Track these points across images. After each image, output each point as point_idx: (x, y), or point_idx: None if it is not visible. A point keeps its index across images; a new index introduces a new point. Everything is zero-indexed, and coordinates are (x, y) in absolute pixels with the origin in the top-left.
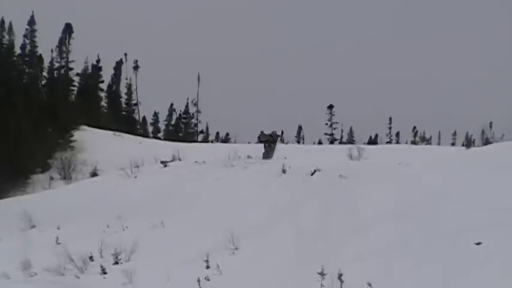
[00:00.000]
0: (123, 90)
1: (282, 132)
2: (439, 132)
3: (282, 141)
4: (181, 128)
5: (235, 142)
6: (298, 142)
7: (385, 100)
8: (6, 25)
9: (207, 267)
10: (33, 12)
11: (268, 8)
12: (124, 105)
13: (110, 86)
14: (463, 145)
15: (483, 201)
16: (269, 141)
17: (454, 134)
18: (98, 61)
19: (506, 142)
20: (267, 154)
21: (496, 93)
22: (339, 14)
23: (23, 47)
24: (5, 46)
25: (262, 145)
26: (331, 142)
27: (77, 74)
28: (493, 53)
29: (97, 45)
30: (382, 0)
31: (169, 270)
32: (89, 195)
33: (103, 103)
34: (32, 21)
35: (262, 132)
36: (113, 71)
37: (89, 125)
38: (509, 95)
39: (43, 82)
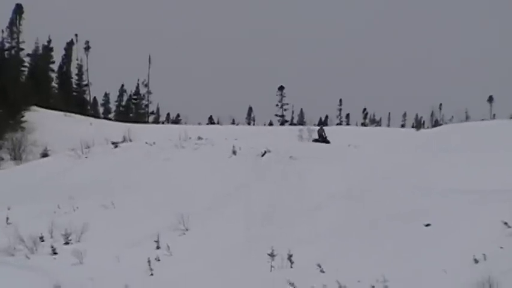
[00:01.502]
0: (74, 71)
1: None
2: (389, 113)
3: (233, 122)
4: (132, 109)
5: (186, 123)
6: (249, 123)
7: (335, 82)
8: None
9: (158, 247)
10: None
11: None
12: (75, 86)
13: (60, 67)
14: (412, 127)
15: (432, 182)
16: (321, 131)
17: (404, 115)
18: (49, 42)
19: (455, 124)
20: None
21: (445, 75)
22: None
23: None
24: None
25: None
26: (282, 123)
27: (28, 55)
28: (441, 36)
29: (48, 26)
30: None
31: (120, 251)
32: (40, 176)
33: (54, 84)
34: None
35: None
36: (63, 52)
37: (39, 106)
38: (458, 77)
39: None
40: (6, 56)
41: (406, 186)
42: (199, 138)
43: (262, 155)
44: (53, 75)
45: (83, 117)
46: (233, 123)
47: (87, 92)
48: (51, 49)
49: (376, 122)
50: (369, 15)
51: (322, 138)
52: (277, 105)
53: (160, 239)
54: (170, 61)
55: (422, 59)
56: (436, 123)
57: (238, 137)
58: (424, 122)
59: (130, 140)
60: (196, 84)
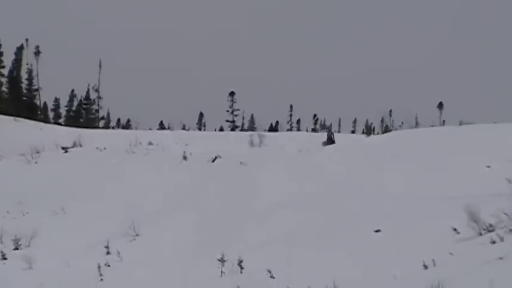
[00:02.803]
0: (24, 75)
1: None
2: (340, 119)
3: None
4: (83, 114)
5: (136, 128)
6: (200, 129)
7: (286, 87)
8: None
9: (108, 253)
10: None
11: None
12: (25, 91)
13: (10, 72)
14: (363, 133)
15: (382, 189)
16: (330, 134)
17: (355, 121)
18: None
19: (405, 130)
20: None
21: (395, 81)
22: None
23: None
24: None
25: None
26: (233, 129)
27: None
28: (392, 42)
29: None
30: None
31: (70, 256)
32: None
33: (4, 88)
34: None
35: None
36: (13, 56)
37: None
38: (408, 84)
39: None
40: None
41: (357, 192)
42: (150, 143)
43: (213, 161)
44: (3, 79)
45: (33, 122)
46: (184, 128)
47: (37, 96)
48: (1, 53)
49: (326, 128)
50: (323, 19)
51: (331, 141)
52: (227, 110)
53: (111, 245)
54: (121, 66)
55: (372, 65)
56: (386, 129)
57: (189, 142)
58: (374, 128)
59: (81, 145)
60: (148, 89)
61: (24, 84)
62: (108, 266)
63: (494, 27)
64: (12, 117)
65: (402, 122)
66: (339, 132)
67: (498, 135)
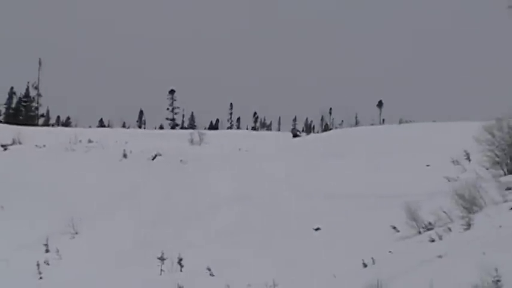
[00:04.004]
0: None
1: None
2: (279, 117)
3: (124, 125)
4: (22, 112)
5: (76, 126)
6: (140, 127)
7: (226, 86)
8: None
9: (47, 251)
10: None
11: None
12: None
13: None
14: (302, 131)
15: (322, 187)
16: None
17: (295, 119)
18: None
19: (345, 129)
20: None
21: (335, 79)
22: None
23: None
24: None
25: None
26: (173, 127)
27: None
28: (331, 42)
29: None
30: None
31: (9, 254)
32: None
33: None
34: None
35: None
36: None
37: None
38: (348, 82)
39: None
40: None
41: (297, 190)
42: (90, 141)
43: (153, 159)
44: None
45: None
46: (124, 126)
47: None
48: None
49: (266, 126)
50: (263, 16)
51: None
52: (168, 108)
53: (50, 243)
54: (61, 64)
55: (313, 63)
56: (326, 128)
57: (129, 140)
58: (314, 126)
59: (20, 143)
60: (88, 87)
61: None
62: (48, 264)
63: (432, 26)
64: None
65: (342, 121)
66: (278, 130)
67: (437, 134)
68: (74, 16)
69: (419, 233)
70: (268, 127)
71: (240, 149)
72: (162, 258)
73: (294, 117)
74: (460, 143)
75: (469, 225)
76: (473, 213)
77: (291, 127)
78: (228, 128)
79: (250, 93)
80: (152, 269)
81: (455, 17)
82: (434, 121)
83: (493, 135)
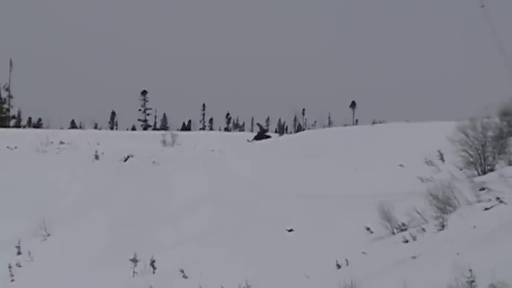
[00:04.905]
0: None
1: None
2: (252, 118)
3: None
4: None
5: (48, 128)
6: (112, 128)
7: (198, 87)
8: None
9: (19, 253)
10: None
11: None
12: None
13: None
14: (275, 132)
15: (295, 188)
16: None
17: (268, 120)
18: None
19: (319, 129)
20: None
21: (308, 80)
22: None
23: None
24: None
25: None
26: (145, 128)
27: None
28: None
29: None
30: None
31: None
32: None
33: None
34: None
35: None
36: None
37: None
38: (321, 83)
39: None
40: None
41: (270, 191)
42: (62, 142)
43: (125, 160)
44: None
45: None
46: (96, 127)
47: None
48: None
49: (239, 127)
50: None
51: (265, 135)
52: (140, 109)
53: (22, 244)
54: (32, 65)
55: (283, 64)
56: (299, 128)
57: (100, 141)
58: (287, 127)
59: None
60: (59, 88)
61: None
62: (20, 266)
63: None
64: None
65: (315, 121)
66: (251, 131)
67: (411, 134)
68: (46, 17)
69: (393, 233)
70: (241, 128)
71: (212, 150)
72: (134, 260)
73: (266, 117)
74: (433, 143)
75: (443, 226)
76: (447, 213)
77: (256, 123)
78: (200, 129)
79: (222, 94)
80: (125, 271)
81: (427, 16)
82: (407, 121)
83: (467, 135)
